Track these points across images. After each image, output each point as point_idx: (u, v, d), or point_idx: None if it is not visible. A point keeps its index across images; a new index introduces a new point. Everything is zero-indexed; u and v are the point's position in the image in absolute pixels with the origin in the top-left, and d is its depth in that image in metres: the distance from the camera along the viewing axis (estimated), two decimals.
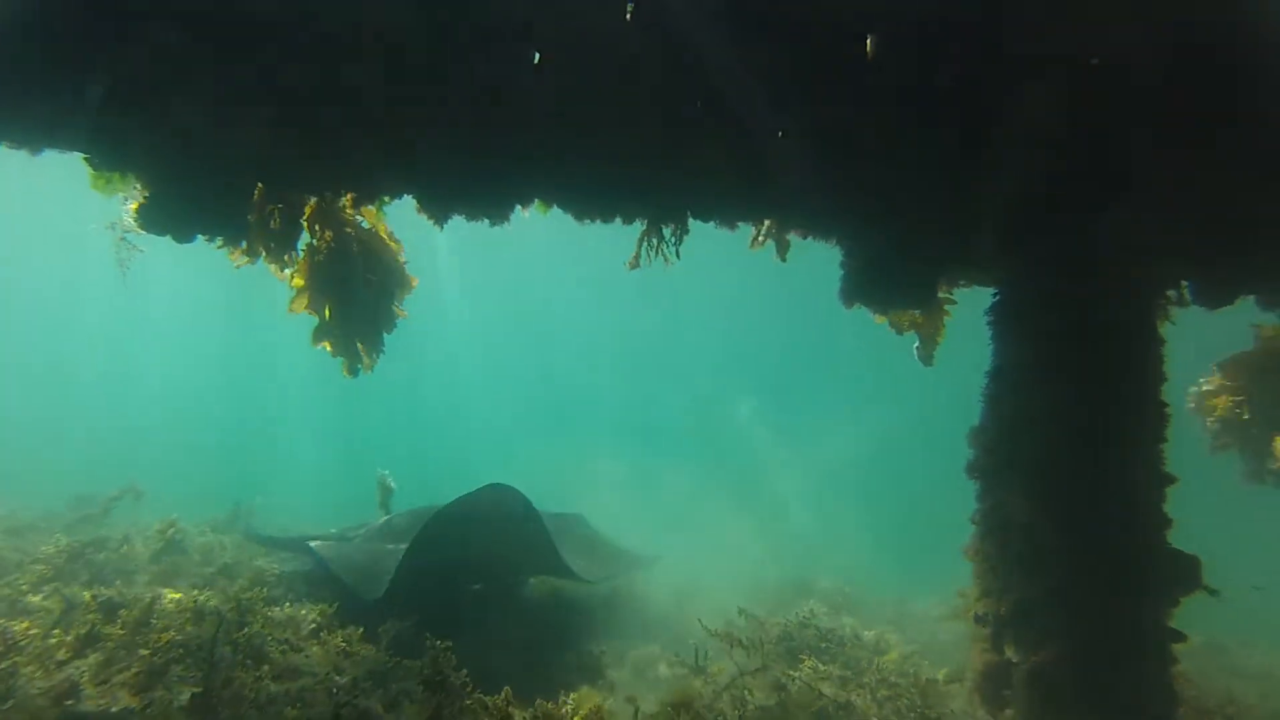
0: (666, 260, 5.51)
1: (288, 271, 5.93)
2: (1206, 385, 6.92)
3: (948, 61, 4.45)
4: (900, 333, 5.73)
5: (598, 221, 5.33)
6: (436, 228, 5.45)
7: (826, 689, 4.46)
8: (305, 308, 5.96)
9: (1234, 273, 4.91)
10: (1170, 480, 4.17)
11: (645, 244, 5.69)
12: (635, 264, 5.81)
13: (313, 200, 5.79)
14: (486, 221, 5.15)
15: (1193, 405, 7.03)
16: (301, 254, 5.92)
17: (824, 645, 5.63)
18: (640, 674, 5.00)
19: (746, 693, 4.36)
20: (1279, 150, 4.34)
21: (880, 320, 5.64)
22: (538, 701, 4.27)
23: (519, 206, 5.19)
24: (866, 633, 6.39)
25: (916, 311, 5.63)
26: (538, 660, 5.19)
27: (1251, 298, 5.19)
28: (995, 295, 4.91)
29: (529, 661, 5.11)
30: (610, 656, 5.26)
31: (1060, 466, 4.25)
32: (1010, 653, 4.09)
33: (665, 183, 5.02)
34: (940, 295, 5.69)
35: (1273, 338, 6.18)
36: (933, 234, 5.03)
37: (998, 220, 4.73)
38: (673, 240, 5.49)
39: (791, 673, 4.71)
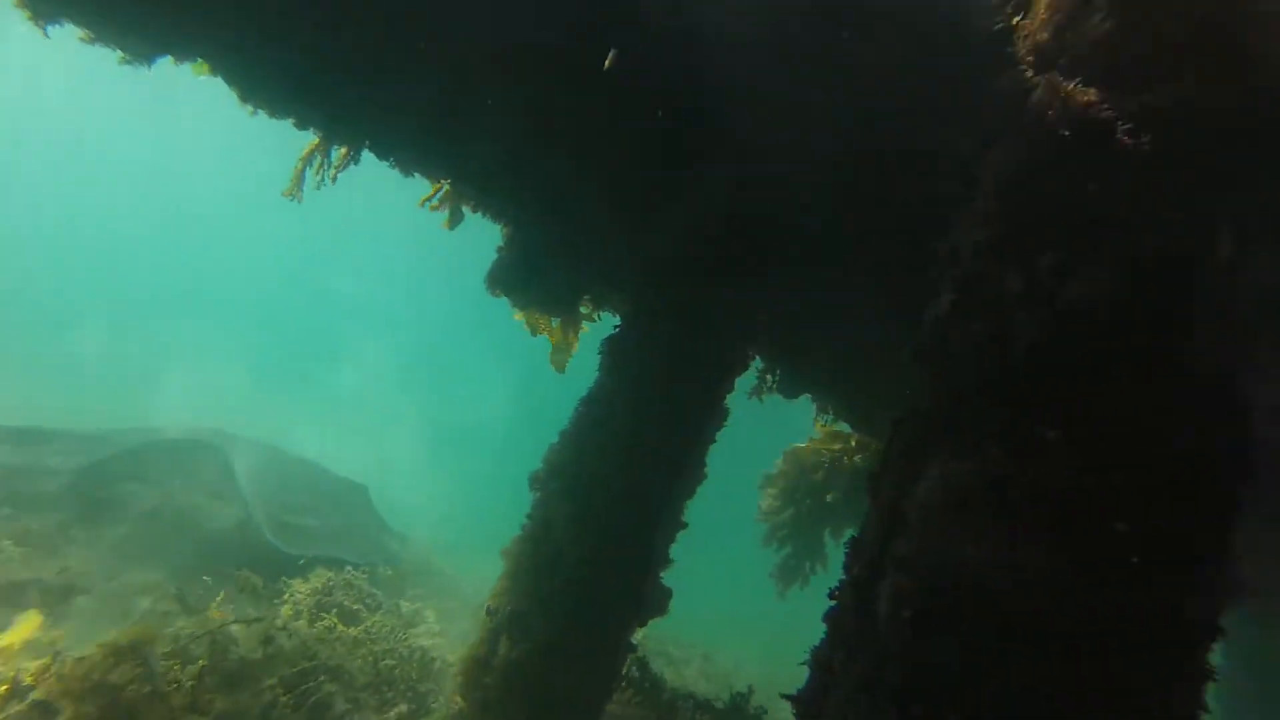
0: (319, 184, 5.09)
1: None
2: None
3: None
4: (534, 334, 5.93)
5: (263, 113, 4.79)
6: None
7: (324, 650, 4.40)
8: None
9: (797, 377, 5.94)
10: (682, 527, 4.89)
11: (309, 164, 5.19)
12: (296, 189, 5.28)
13: None
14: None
15: (760, 483, 8.33)
16: None
17: (357, 609, 5.58)
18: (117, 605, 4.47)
19: (233, 643, 4.11)
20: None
21: (519, 317, 5.80)
22: None
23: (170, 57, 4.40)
24: (406, 605, 6.48)
25: (554, 321, 5.88)
26: None
27: None
28: (615, 328, 5.31)
29: None
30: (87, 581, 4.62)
31: (607, 496, 4.73)
32: (500, 645, 4.43)
33: (349, 99, 4.63)
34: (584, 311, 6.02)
35: (818, 437, 7.59)
36: (594, 248, 5.28)
37: (646, 259, 5.10)
38: (337, 165, 5.08)
39: (294, 626, 4.56)
